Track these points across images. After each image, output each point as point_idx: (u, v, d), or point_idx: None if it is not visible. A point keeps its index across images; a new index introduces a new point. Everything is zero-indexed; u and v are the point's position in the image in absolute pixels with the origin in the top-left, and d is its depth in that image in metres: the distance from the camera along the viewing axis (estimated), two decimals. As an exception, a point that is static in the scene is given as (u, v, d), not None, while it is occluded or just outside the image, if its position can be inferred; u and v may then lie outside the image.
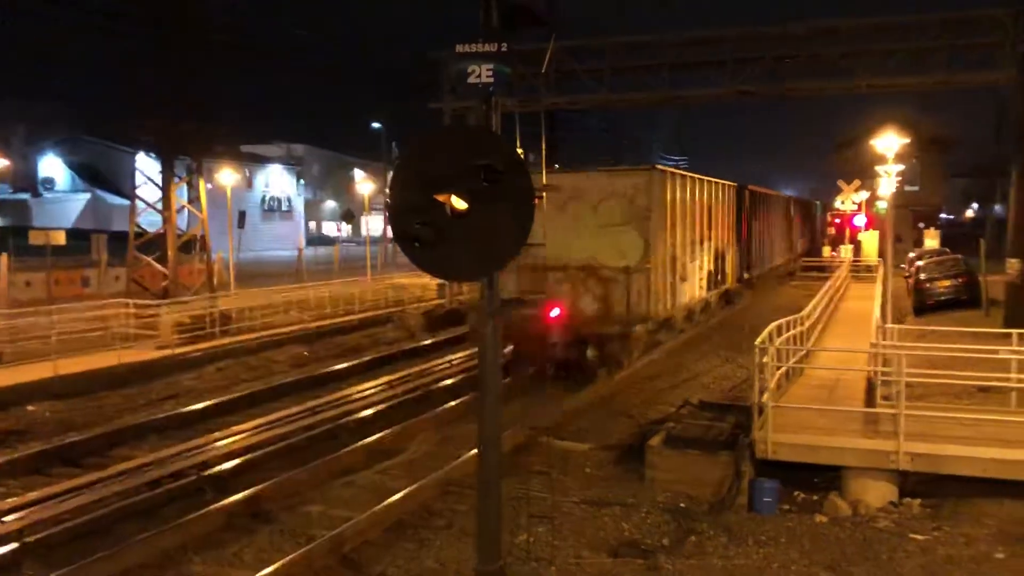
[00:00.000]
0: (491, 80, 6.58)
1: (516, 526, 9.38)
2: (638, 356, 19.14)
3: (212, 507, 9.99)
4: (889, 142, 15.76)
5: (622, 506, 10.40)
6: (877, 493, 10.50)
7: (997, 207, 72.63)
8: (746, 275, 31.54)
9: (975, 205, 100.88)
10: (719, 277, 26.11)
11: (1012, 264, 19.45)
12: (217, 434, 12.83)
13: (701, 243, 23.13)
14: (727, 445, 11.08)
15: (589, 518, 10.05)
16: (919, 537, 9.59)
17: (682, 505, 10.56)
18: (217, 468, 11.54)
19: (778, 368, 12.30)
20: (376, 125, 67.01)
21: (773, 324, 13.24)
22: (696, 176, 23.06)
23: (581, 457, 12.53)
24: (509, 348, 16.61)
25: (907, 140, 16.13)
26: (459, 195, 6.02)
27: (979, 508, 10.17)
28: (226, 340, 22.12)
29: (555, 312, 16.26)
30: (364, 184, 43.05)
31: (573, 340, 16.99)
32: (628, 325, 17.71)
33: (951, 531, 9.72)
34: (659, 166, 19.98)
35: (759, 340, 11.90)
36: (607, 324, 17.63)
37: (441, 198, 6.06)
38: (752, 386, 17.41)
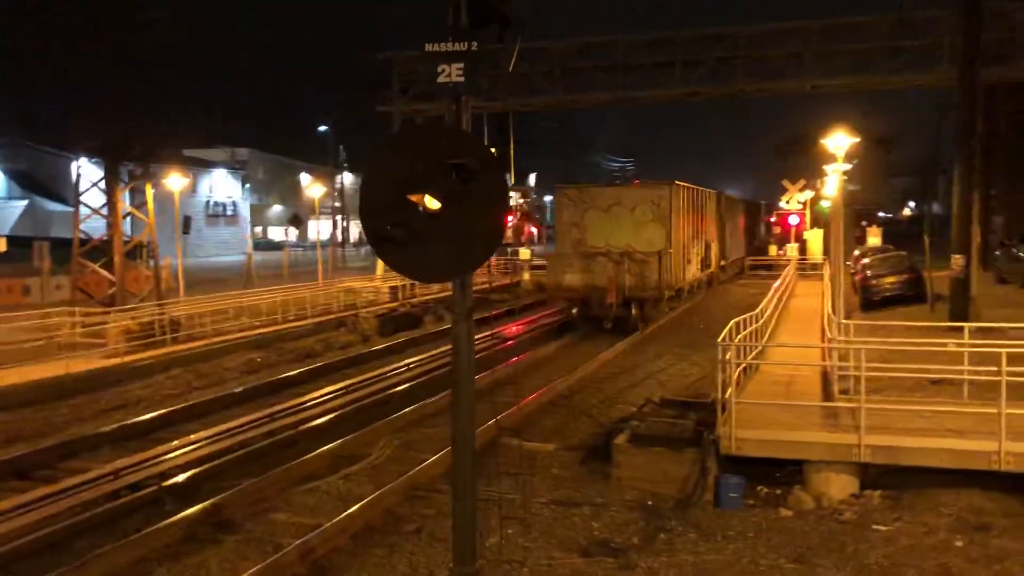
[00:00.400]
0: (461, 79, 6.51)
1: (487, 528, 9.30)
2: (662, 314, 27.08)
3: (173, 518, 9.75)
4: (839, 141, 16.04)
5: (591, 506, 10.41)
6: (839, 486, 10.67)
7: (935, 205, 74.84)
8: (722, 262, 38.54)
9: (912, 203, 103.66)
10: (708, 262, 34.01)
11: (957, 260, 19.92)
12: (174, 443, 12.51)
13: (698, 236, 30.92)
14: (692, 442, 11.16)
15: (559, 518, 10.03)
16: (882, 528, 9.75)
17: (649, 503, 10.60)
18: (176, 478, 11.29)
19: (738, 365, 12.43)
20: (323, 128, 66.36)
21: (732, 322, 13.39)
22: (694, 187, 30.22)
23: (547, 458, 12.52)
24: (575, 309, 25.60)
25: (857, 139, 16.44)
26: (432, 195, 5.95)
27: (937, 498, 10.37)
28: (177, 347, 21.68)
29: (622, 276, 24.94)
30: (314, 188, 42.46)
31: (622, 302, 24.57)
32: (658, 291, 25.26)
33: (912, 521, 9.89)
34: (676, 182, 27.02)
35: (721, 337, 12.01)
36: (643, 292, 24.97)
37: (414, 198, 5.98)
38: (715, 383, 17.81)
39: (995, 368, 10.37)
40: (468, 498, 6.90)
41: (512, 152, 8.48)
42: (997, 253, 32.08)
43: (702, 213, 31.53)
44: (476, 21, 6.75)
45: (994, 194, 37.71)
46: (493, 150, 6.45)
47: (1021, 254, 29.52)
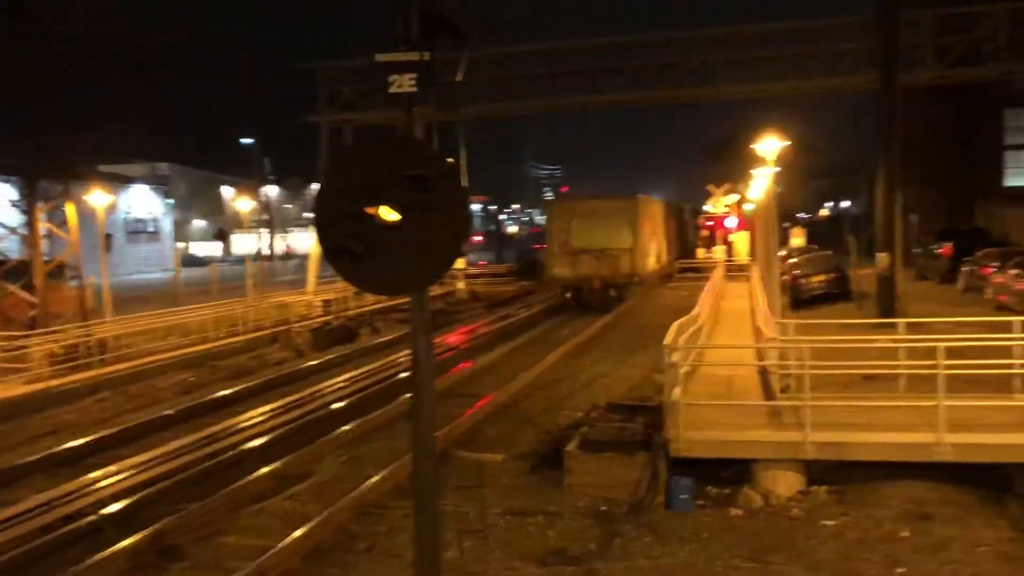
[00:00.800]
0: (414, 89, 6.44)
1: (444, 542, 9.20)
2: (631, 295, 34.39)
3: (115, 548, 9.36)
4: (770, 145, 16.42)
5: (545, 514, 10.38)
6: (786, 483, 10.85)
7: (848, 204, 77.27)
8: (668, 258, 44.85)
9: (829, 204, 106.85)
10: (660, 259, 41.09)
11: (882, 258, 20.58)
12: (111, 468, 12.08)
13: (654, 236, 38.37)
14: (642, 445, 11.22)
15: (514, 529, 9.98)
16: (830, 523, 9.97)
17: (603, 508, 10.63)
18: (115, 506, 10.84)
19: (683, 367, 12.56)
20: (247, 140, 65.13)
21: (674, 325, 13.54)
22: (652, 199, 41.51)
23: (496, 468, 12.45)
24: (569, 294, 33.99)
25: (787, 143, 16.86)
26: (390, 206, 5.86)
27: (880, 491, 10.65)
28: (105, 369, 20.96)
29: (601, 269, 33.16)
30: (241, 201, 41.59)
31: (603, 287, 32.83)
32: (628, 278, 33.54)
33: (858, 514, 10.14)
34: (638, 196, 37.34)
35: (667, 340, 12.13)
36: (618, 278, 33.17)
37: (371, 210, 5.88)
38: (657, 385, 17.97)
39: (932, 362, 10.69)
40: (430, 512, 6.80)
41: (465, 162, 8.42)
42: (916, 251, 33.27)
43: (655, 219, 39.58)
44: (426, 32, 6.70)
45: (909, 194, 39.10)
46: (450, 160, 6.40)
47: (938, 251, 30.69)
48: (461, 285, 39.22)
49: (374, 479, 11.56)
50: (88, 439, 14.82)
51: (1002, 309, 21.89)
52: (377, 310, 34.47)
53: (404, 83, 6.48)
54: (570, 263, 33.25)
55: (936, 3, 33.47)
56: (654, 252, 38.23)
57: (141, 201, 75.45)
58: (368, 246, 5.87)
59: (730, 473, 11.53)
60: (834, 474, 11.07)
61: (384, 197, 5.85)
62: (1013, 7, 30.35)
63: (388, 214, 5.87)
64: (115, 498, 11.11)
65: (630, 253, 33.14)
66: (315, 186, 61.34)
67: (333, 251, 5.96)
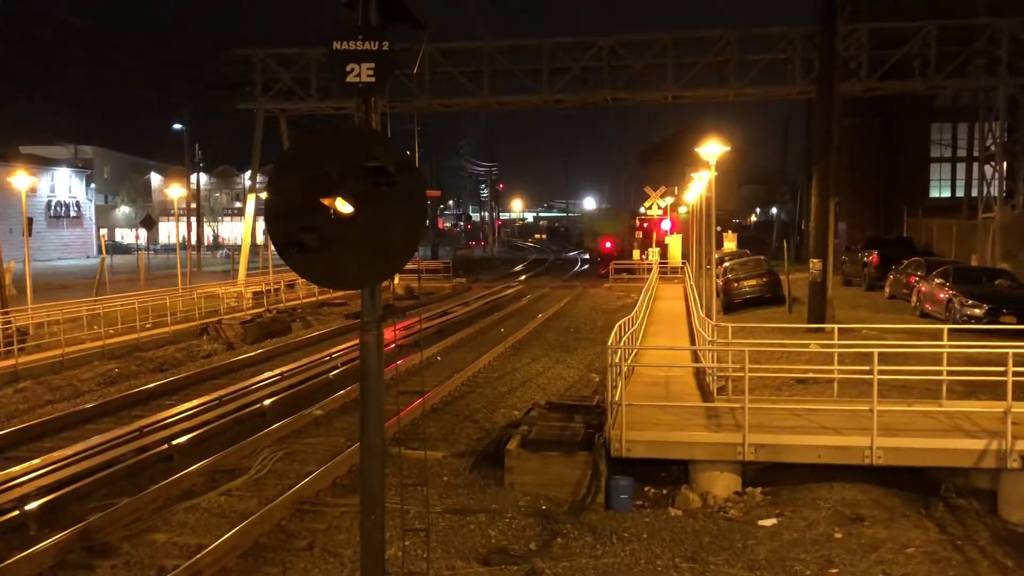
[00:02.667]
0: (372, 79, 6.30)
1: (385, 540, 9.05)
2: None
3: (40, 545, 8.98)
4: (711, 149, 16.65)
5: (486, 513, 10.31)
6: (723, 484, 11.01)
7: (774, 210, 79.02)
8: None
9: (758, 209, 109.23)
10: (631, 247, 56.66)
11: (815, 264, 21.04)
12: (34, 462, 11.59)
13: (628, 233, 60.76)
14: (583, 445, 11.24)
15: (455, 527, 9.89)
16: (766, 524, 10.13)
17: (544, 507, 10.62)
18: (39, 501, 10.40)
19: (624, 368, 12.62)
20: (178, 126, 63.48)
21: (617, 325, 13.62)
22: (627, 211, 73.61)
23: (436, 466, 12.34)
24: (599, 258, 62.43)
25: (727, 148, 17.11)
26: (345, 198, 5.71)
27: (813, 493, 10.87)
28: (25, 358, 20.16)
29: (608, 244, 63.37)
30: (173, 188, 40.47)
31: (609, 255, 58.81)
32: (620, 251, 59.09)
33: (792, 516, 10.33)
34: (623, 211, 75.82)
35: (610, 341, 12.17)
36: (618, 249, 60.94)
37: (327, 201, 5.73)
38: (593, 384, 18.07)
39: (867, 367, 10.95)
40: (377, 511, 6.67)
41: (417, 155, 8.28)
42: (844, 258, 34.15)
43: (625, 223, 64.94)
44: (385, 20, 6.57)
45: (838, 201, 40.16)
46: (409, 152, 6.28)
47: (866, 259, 31.54)
48: (396, 280, 38.87)
49: (311, 476, 11.35)
50: (7, 431, 14.23)
51: (925, 317, 22.64)
52: (309, 303, 33.99)
53: (362, 73, 6.34)
54: (593, 242, 67.21)
55: (871, 17, 34.51)
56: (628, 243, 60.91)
57: (64, 184, 73.03)
58: (321, 239, 5.72)
59: (668, 473, 11.66)
60: (769, 475, 11.27)
61: (340, 188, 5.71)
62: (942, 24, 31.43)
63: (343, 206, 5.73)
64: (39, 493, 10.66)
65: (622, 237, 62.84)
66: (247, 175, 60.06)
67: (284, 243, 5.79)
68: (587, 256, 71.45)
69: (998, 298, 20.64)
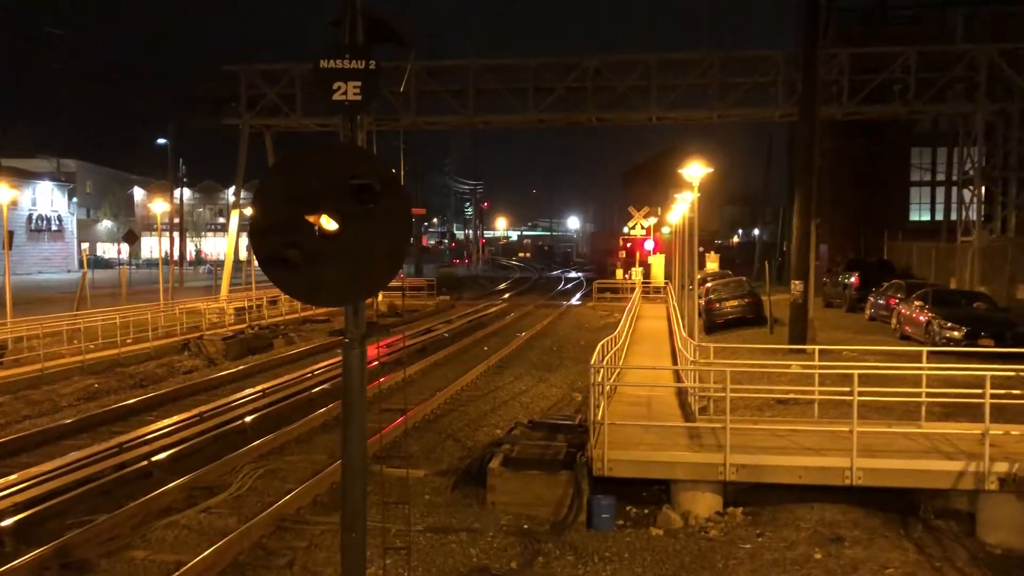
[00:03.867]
0: (358, 97, 6.34)
1: (366, 559, 9.02)
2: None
3: (15, 562, 8.88)
4: (694, 171, 16.79)
5: (468, 531, 10.29)
6: (704, 504, 11.03)
7: (756, 232, 79.66)
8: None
9: (740, 231, 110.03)
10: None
11: (796, 285, 21.20)
12: (11, 478, 11.45)
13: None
14: (565, 464, 11.24)
15: (436, 546, 9.86)
16: (747, 544, 10.15)
17: (525, 527, 10.60)
18: (15, 518, 10.27)
19: (606, 387, 12.65)
20: (162, 141, 63.29)
21: (600, 344, 13.66)
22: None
23: (418, 484, 12.30)
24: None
25: (711, 169, 17.26)
26: (330, 215, 5.73)
27: (793, 513, 10.91)
28: (3, 373, 19.99)
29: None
30: (157, 203, 40.29)
31: None
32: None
33: (773, 536, 10.36)
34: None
35: (593, 360, 12.20)
36: None
37: (311, 218, 5.75)
38: (575, 403, 18.08)
39: (847, 388, 11.04)
40: (359, 529, 6.65)
41: (403, 173, 8.31)
42: (825, 280, 34.40)
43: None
44: (371, 40, 6.62)
45: (819, 223, 40.51)
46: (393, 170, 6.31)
47: (847, 280, 31.77)
48: (380, 297, 38.81)
49: (291, 493, 11.29)
50: (-16, 446, 14.08)
51: (905, 339, 22.81)
52: (292, 320, 33.86)
53: (349, 91, 6.39)
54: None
55: (853, 42, 34.96)
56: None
57: (45, 198, 72.59)
58: (305, 255, 5.74)
59: (650, 493, 11.67)
60: (749, 496, 11.30)
61: (325, 205, 5.73)
62: (922, 50, 31.87)
63: (328, 223, 5.75)
64: (16, 509, 10.53)
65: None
66: (230, 191, 59.92)
67: (269, 259, 5.80)
68: (573, 275, 71.48)
69: (976, 321, 20.85)
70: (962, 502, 10.60)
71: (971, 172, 34.11)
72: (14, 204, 61.84)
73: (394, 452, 14.14)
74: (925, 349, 14.31)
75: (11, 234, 34.52)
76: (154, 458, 13.11)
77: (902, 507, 10.85)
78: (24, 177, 67.87)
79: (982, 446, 10.34)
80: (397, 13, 7.04)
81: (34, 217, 70.33)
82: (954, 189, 37.88)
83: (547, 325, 34.45)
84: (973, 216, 33.68)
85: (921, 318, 21.98)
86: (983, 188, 33.67)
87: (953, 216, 37.23)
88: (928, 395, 12.49)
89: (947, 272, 32.02)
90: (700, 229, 19.94)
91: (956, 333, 20.34)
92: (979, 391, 10.68)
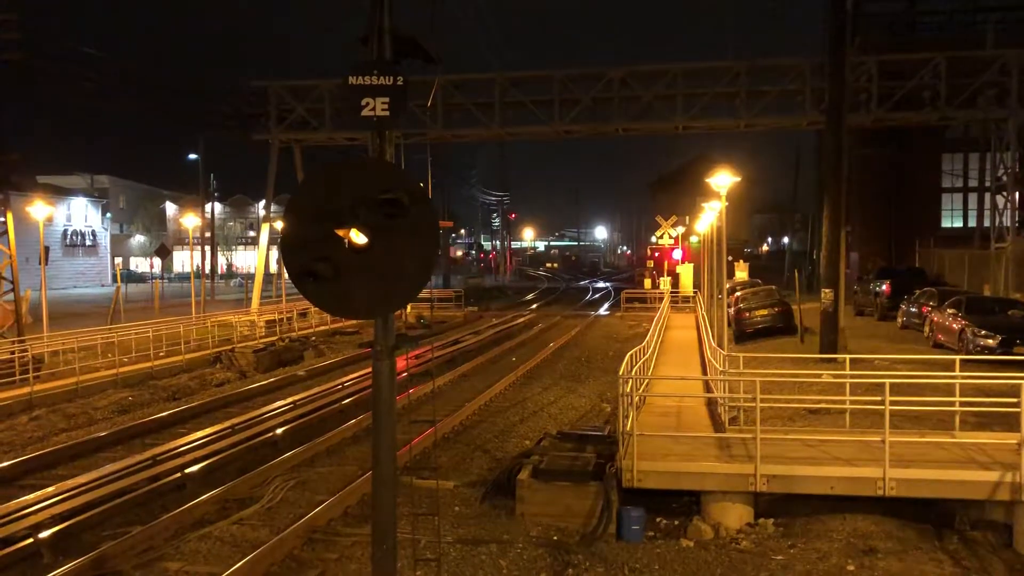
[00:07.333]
0: (387, 113, 6.42)
1: (396, 570, 9.06)
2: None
3: (52, 573, 9.02)
4: (722, 180, 16.74)
5: (497, 543, 10.30)
6: (735, 515, 10.96)
7: (786, 240, 79.08)
8: None
9: (770, 239, 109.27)
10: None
11: (827, 294, 21.03)
12: (49, 490, 11.64)
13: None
14: (595, 475, 11.23)
15: (467, 557, 9.88)
16: (779, 556, 10.07)
17: (555, 538, 10.60)
18: (53, 529, 10.45)
19: (635, 398, 12.63)
20: (193, 156, 64.14)
21: (628, 355, 13.64)
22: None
23: (448, 495, 12.34)
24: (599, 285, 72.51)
25: (738, 179, 17.19)
26: (360, 229, 5.80)
27: (825, 524, 10.81)
28: (40, 386, 20.30)
29: None
30: (188, 217, 40.82)
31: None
32: None
33: (805, 548, 10.27)
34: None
35: (622, 371, 12.19)
36: None
37: (341, 232, 5.83)
38: (605, 414, 18.04)
39: (879, 398, 10.93)
40: (390, 541, 6.70)
41: (430, 186, 8.38)
42: (856, 288, 34.08)
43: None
44: (398, 56, 6.71)
45: (850, 231, 40.19)
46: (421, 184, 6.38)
47: (878, 288, 31.45)
48: (408, 308, 38.99)
49: (322, 505, 11.37)
50: (22, 458, 14.34)
51: (938, 347, 22.53)
52: (321, 332, 34.11)
53: (377, 106, 6.47)
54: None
55: (880, 49, 34.69)
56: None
57: (80, 213, 73.77)
58: (335, 269, 5.82)
59: (680, 504, 11.62)
60: (779, 507, 11.22)
61: (354, 220, 5.80)
62: (951, 56, 31.55)
63: (357, 237, 5.82)
64: (53, 521, 10.71)
65: None
66: (261, 204, 60.63)
67: (299, 273, 5.89)
68: (600, 285, 71.36)
69: (1011, 328, 20.54)
70: (998, 513, 10.44)
71: (1004, 178, 33.66)
72: (50, 220, 62.84)
73: (424, 464, 14.19)
74: (958, 357, 14.12)
75: (47, 249, 35.14)
76: (187, 470, 13.28)
77: (936, 518, 10.72)
78: (59, 194, 69.03)
79: (1018, 456, 10.19)
80: (423, 31, 7.13)
81: (69, 233, 71.45)
82: (987, 195, 37.37)
83: (575, 335, 34.41)
84: (1007, 222, 33.21)
85: (954, 326, 21.70)
86: (1016, 194, 33.21)
87: (986, 222, 36.73)
88: (962, 404, 12.32)
89: (980, 279, 31.56)
90: (729, 238, 19.88)
91: (990, 341, 20.05)
92: (1015, 400, 10.53)
